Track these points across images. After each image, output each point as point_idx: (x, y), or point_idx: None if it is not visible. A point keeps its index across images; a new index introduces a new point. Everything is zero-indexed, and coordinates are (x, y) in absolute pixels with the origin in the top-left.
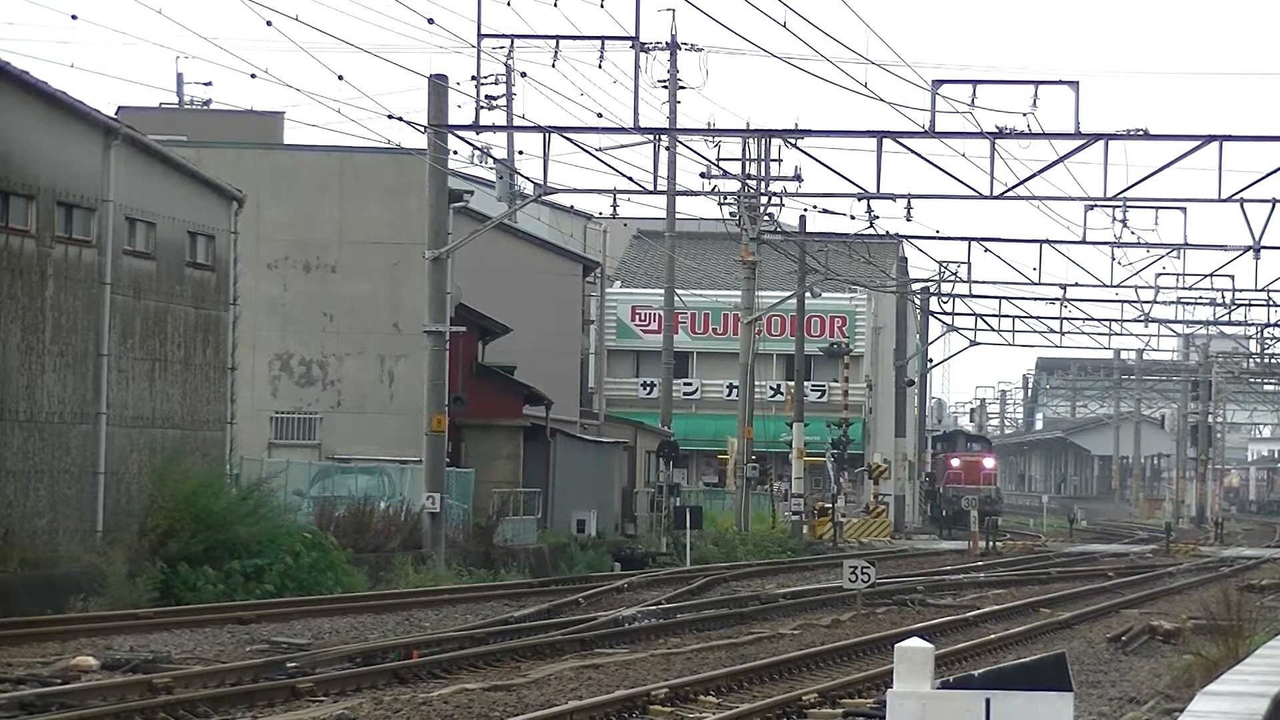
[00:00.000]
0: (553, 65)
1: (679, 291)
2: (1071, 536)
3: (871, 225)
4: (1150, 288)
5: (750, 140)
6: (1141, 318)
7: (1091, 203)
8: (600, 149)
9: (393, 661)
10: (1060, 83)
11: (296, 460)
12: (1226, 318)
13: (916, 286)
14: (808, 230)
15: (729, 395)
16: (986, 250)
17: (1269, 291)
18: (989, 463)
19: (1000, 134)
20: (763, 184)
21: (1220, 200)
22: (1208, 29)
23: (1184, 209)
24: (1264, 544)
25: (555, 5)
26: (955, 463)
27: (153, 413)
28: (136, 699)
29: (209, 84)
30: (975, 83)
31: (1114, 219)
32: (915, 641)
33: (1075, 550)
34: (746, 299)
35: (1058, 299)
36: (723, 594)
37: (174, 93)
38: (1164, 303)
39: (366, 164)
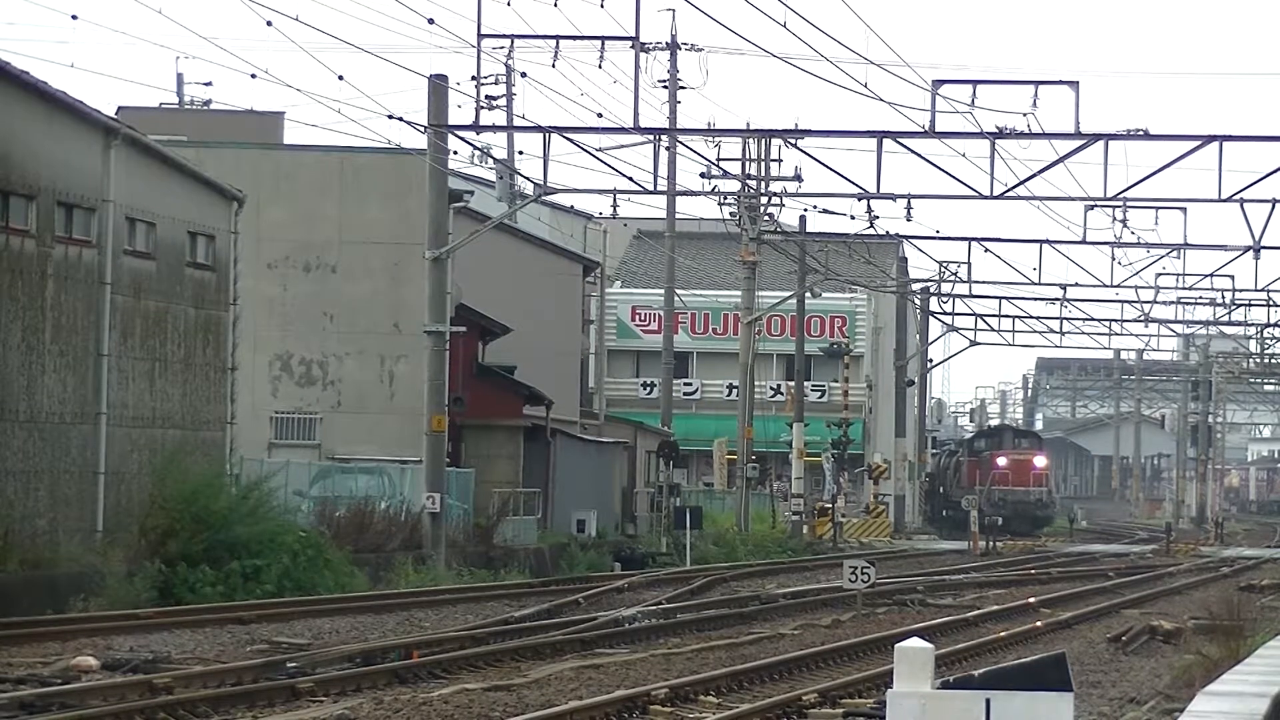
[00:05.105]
0: (553, 65)
1: (679, 291)
2: (1072, 536)
3: (871, 225)
4: (1150, 288)
5: (750, 140)
6: (1141, 318)
7: (1091, 203)
8: (600, 149)
9: (393, 661)
10: (1060, 83)
11: (296, 460)
12: (1226, 318)
13: (916, 286)
14: (808, 230)
15: (729, 395)
16: (986, 250)
17: (1269, 291)
18: (1040, 461)
19: (1000, 134)
20: (763, 184)
21: (1220, 200)
22: (1208, 29)
23: (1184, 209)
24: (1264, 544)
25: (555, 5)
26: (1002, 461)
27: (153, 413)
28: (136, 699)
29: (209, 84)
30: (975, 83)
31: (1114, 219)
32: (915, 641)
33: (1075, 550)
34: (746, 299)
35: (1058, 299)
36: (723, 594)
37: (174, 93)
38: (1164, 303)
39: (366, 164)
